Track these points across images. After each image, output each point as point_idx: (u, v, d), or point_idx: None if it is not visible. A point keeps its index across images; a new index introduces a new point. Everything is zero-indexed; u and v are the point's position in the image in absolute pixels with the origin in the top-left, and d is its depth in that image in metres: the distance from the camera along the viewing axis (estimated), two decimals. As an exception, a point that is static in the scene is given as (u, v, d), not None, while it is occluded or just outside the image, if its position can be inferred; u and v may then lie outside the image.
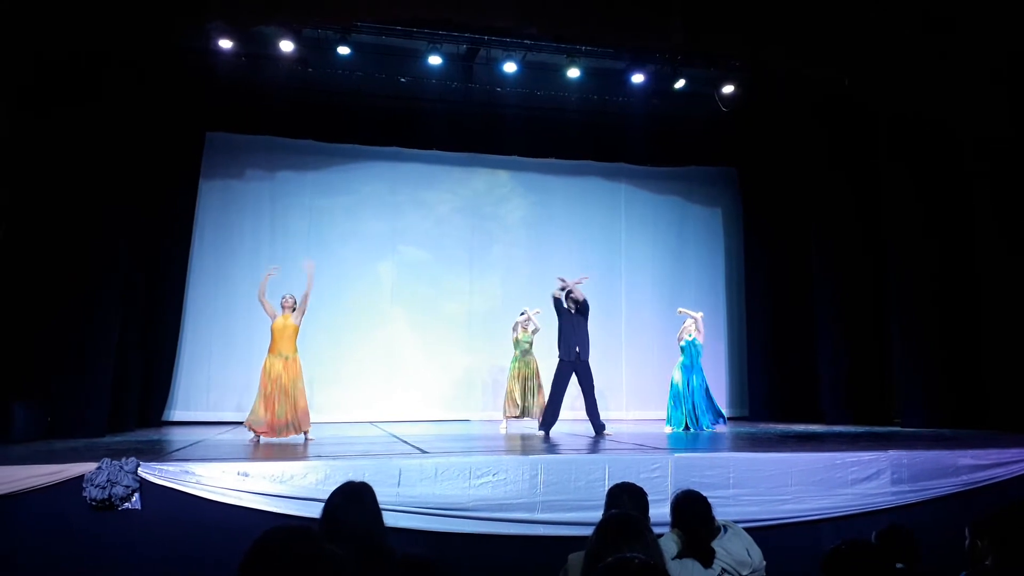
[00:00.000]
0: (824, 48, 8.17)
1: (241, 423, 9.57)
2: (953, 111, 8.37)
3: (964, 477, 5.66)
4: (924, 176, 8.97)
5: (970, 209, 8.65)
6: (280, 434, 6.95)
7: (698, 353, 9.04)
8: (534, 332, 9.36)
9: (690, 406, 8.84)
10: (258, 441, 6.93)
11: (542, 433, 7.79)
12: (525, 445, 6.90)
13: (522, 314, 9.38)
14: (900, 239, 9.23)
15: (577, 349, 7.75)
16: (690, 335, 9.03)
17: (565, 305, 7.93)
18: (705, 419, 8.85)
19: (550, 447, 6.58)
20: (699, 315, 9.12)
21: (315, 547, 1.81)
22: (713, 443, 7.23)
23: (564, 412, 8.09)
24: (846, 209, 10.18)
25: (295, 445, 6.73)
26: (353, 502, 2.66)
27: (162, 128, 8.99)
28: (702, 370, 9.06)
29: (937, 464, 5.65)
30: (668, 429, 8.87)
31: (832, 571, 2.32)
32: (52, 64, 7.39)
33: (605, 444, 6.82)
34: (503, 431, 8.77)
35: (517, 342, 9.31)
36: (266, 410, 6.89)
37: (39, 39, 7.04)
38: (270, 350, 7.10)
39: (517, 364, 9.23)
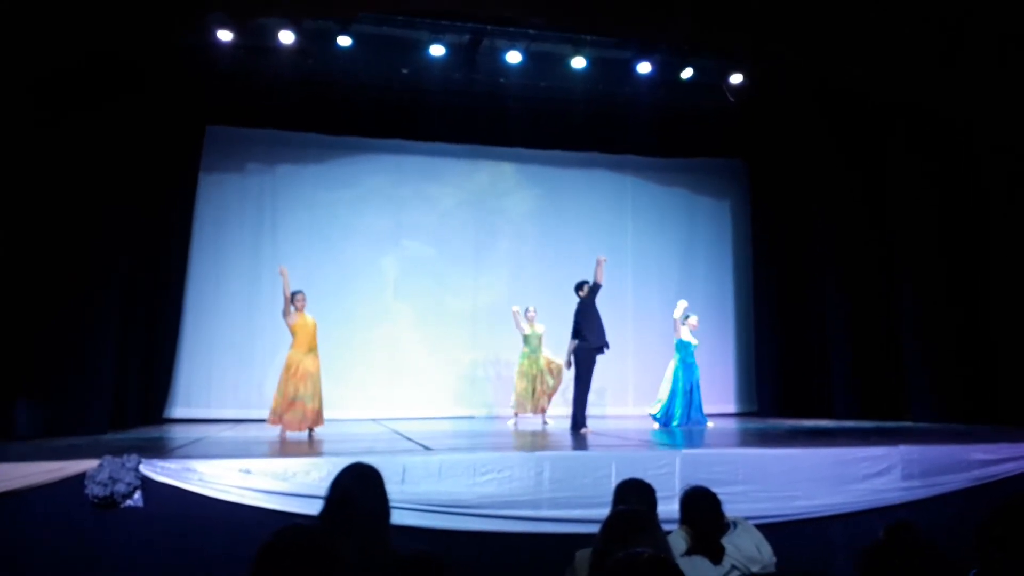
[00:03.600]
0: (833, 38, 8.06)
1: (243, 420, 9.59)
2: (964, 105, 8.26)
3: (976, 472, 5.59)
4: (936, 169, 8.86)
5: (981, 202, 8.56)
6: (302, 427, 7.15)
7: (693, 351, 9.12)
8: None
9: (687, 401, 8.87)
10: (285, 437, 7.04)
11: (587, 430, 7.65)
12: (530, 441, 6.84)
13: (527, 310, 9.22)
14: (910, 231, 9.14)
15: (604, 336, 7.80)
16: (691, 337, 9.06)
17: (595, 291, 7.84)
18: (700, 414, 8.95)
19: (555, 443, 6.53)
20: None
21: (326, 547, 1.84)
22: (722, 439, 7.16)
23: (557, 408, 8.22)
24: (856, 202, 10.06)
25: (298, 442, 6.70)
26: (362, 483, 2.61)
27: (162, 123, 8.93)
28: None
29: (949, 459, 5.58)
30: (656, 425, 8.85)
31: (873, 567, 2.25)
32: (51, 60, 7.33)
33: (612, 440, 6.76)
34: (511, 427, 8.72)
35: (527, 338, 9.20)
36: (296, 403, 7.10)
37: (38, 35, 6.97)
38: (297, 346, 7.24)
39: (526, 360, 9.14)
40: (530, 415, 9.12)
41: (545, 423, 8.94)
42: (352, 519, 2.48)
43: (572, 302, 8.06)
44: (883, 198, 9.61)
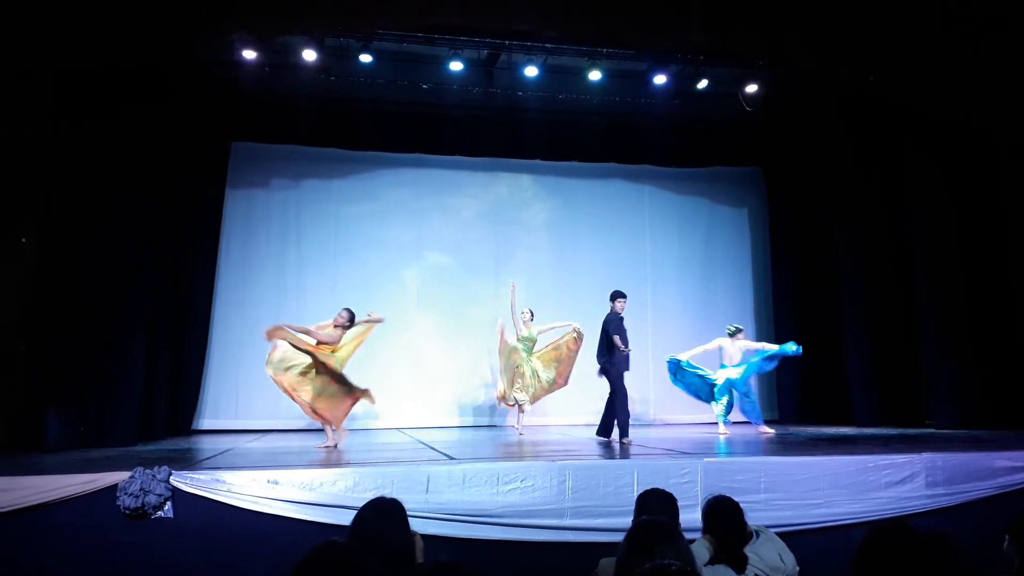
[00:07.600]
0: (849, 45, 8.08)
1: (270, 431, 9.69)
2: (983, 109, 8.22)
3: (1001, 479, 5.56)
4: (953, 174, 8.83)
5: (1001, 206, 8.50)
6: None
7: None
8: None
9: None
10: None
11: (629, 440, 7.67)
12: (552, 451, 6.87)
13: (523, 312, 9.20)
14: (929, 237, 9.09)
15: None
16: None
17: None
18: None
19: (578, 452, 6.56)
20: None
21: (362, 565, 1.88)
22: (743, 447, 7.16)
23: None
24: (875, 208, 10.01)
25: (325, 452, 6.77)
26: (384, 519, 2.66)
27: (188, 139, 9.07)
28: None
29: (973, 466, 5.56)
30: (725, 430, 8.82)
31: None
32: (79, 77, 7.51)
33: (633, 449, 6.78)
34: (520, 435, 8.75)
35: (522, 340, 9.10)
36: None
37: (67, 53, 7.15)
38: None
39: (524, 356, 9.07)
40: (508, 407, 9.17)
41: (520, 434, 8.88)
42: (373, 552, 2.53)
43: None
44: (901, 204, 9.57)
